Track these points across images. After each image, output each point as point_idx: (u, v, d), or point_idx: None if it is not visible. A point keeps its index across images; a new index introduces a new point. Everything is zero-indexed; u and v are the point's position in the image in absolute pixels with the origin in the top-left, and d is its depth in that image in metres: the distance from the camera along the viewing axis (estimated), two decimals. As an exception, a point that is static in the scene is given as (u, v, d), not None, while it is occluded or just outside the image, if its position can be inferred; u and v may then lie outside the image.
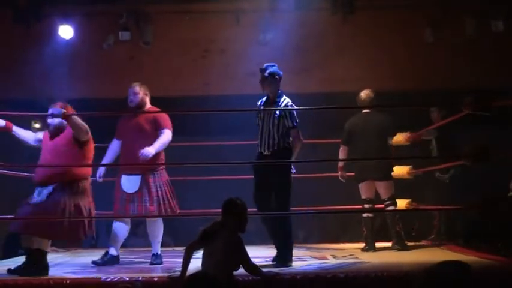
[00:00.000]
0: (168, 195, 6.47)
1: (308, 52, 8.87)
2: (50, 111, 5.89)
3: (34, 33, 8.63)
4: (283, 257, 6.03)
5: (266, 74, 6.22)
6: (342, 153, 7.66)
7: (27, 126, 8.23)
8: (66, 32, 8.57)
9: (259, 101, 6.39)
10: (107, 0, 8.81)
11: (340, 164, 7.69)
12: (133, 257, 7.17)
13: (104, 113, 7.29)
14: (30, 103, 8.14)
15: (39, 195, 5.70)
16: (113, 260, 6.41)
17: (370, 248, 7.39)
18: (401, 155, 8.06)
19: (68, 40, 8.63)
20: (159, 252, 6.50)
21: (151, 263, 6.39)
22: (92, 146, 6.09)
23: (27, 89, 8.56)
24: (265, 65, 6.30)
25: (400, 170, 7.84)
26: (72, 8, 8.60)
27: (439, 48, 8.69)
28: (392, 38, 8.79)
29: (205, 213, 6.73)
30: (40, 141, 6.16)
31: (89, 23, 8.73)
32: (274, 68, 6.27)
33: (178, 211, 6.62)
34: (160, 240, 6.56)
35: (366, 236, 7.52)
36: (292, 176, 6.18)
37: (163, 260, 6.56)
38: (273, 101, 6.22)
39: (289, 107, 6.14)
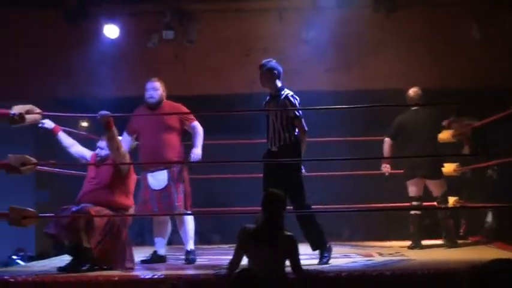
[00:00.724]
0: (188, 192, 6.42)
1: (350, 50, 8.85)
2: (99, 144, 6.08)
3: (81, 32, 8.75)
4: (320, 247, 5.97)
5: (264, 69, 6.12)
6: (387, 145, 7.59)
7: (75, 125, 8.39)
8: (111, 31, 8.68)
9: (266, 99, 6.28)
10: (152, 0, 8.89)
11: (385, 156, 7.62)
12: (179, 254, 7.20)
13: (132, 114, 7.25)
14: (77, 102, 8.29)
15: None
16: (160, 259, 6.41)
17: (416, 245, 7.33)
18: (447, 153, 8.00)
19: (113, 39, 8.74)
20: (193, 248, 6.39)
21: (186, 260, 6.30)
22: (134, 177, 6.16)
23: (74, 88, 8.70)
24: (263, 61, 6.19)
25: (447, 168, 7.76)
26: (118, 7, 8.72)
27: (485, 45, 8.57)
28: (436, 34, 8.72)
29: (248, 211, 6.69)
30: (85, 159, 6.29)
31: (134, 22, 8.83)
32: (271, 63, 6.15)
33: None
34: (193, 235, 6.44)
35: (412, 233, 7.47)
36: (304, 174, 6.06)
37: (210, 257, 6.57)
38: (274, 96, 6.10)
39: (290, 98, 6.00)
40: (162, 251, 6.49)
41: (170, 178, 6.28)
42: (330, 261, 5.93)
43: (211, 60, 8.78)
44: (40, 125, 6.17)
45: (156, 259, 6.40)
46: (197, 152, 6.27)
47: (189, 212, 6.40)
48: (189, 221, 6.43)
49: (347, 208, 7.21)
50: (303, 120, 5.98)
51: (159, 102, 6.44)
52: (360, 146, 9.19)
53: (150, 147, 6.34)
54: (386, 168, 7.60)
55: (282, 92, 6.04)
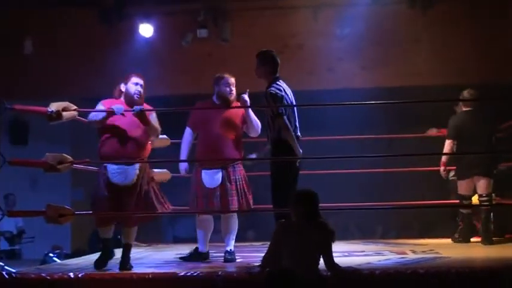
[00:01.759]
0: (246, 189, 6.33)
1: (385, 46, 8.83)
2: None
3: (117, 32, 8.86)
4: None
5: (257, 60, 5.89)
6: (449, 147, 7.56)
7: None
8: (146, 30, 8.78)
9: None
10: (186, -1, 8.96)
11: (443, 159, 7.61)
12: (212, 251, 7.23)
13: (185, 108, 7.20)
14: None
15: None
16: (201, 257, 6.33)
17: (464, 239, 7.44)
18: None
19: (148, 38, 8.83)
20: (233, 249, 6.32)
21: (225, 260, 6.22)
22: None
23: (109, 87, 8.76)
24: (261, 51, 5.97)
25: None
26: (152, 7, 8.80)
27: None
28: (471, 31, 8.64)
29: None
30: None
31: (168, 22, 8.91)
32: (267, 53, 5.90)
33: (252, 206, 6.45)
34: (234, 237, 6.39)
35: (461, 229, 7.55)
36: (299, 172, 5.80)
37: (245, 254, 6.57)
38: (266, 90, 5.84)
39: (268, 95, 5.68)
40: (203, 248, 6.42)
41: (225, 177, 6.21)
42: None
43: (245, 59, 8.76)
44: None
45: (196, 256, 6.33)
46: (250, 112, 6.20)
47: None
48: (235, 222, 6.40)
49: (381, 205, 7.15)
50: (284, 117, 5.60)
51: (235, 99, 6.38)
52: (391, 142, 9.18)
53: (212, 144, 6.24)
54: (444, 172, 7.64)
55: (269, 88, 5.74)
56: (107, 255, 5.79)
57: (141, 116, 5.67)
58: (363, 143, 8.90)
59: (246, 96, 6.15)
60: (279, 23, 8.90)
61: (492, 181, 7.45)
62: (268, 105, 5.69)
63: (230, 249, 6.30)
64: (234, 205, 6.21)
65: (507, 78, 8.49)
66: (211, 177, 6.23)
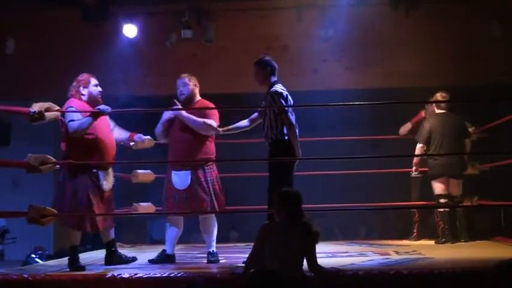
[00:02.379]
0: (218, 190, 6.30)
1: (369, 48, 8.84)
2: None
3: (100, 32, 8.81)
4: None
5: (257, 66, 6.02)
6: (418, 152, 7.77)
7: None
8: (130, 30, 8.74)
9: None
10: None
11: (415, 160, 7.82)
12: (195, 252, 7.23)
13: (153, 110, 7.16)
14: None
15: None
16: (168, 259, 6.31)
17: (447, 240, 7.53)
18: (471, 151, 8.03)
19: (132, 39, 8.80)
20: (215, 250, 6.30)
21: (208, 261, 6.21)
22: None
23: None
24: (258, 58, 6.08)
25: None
26: (136, 7, 8.76)
27: (505, 42, 8.52)
28: (455, 32, 8.67)
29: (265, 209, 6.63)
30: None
31: (152, 22, 8.88)
32: (264, 59, 6.04)
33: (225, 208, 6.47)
34: (215, 237, 6.35)
35: (443, 229, 7.62)
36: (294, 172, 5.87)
37: (229, 255, 6.56)
38: (267, 92, 5.95)
39: (273, 94, 5.82)
40: (171, 250, 6.40)
41: (194, 179, 6.21)
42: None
43: (229, 59, 8.79)
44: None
45: (164, 258, 6.31)
46: (183, 113, 6.21)
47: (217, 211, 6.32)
48: (212, 223, 6.37)
49: (364, 206, 7.18)
50: (289, 114, 5.79)
51: (189, 99, 6.34)
52: (381, 144, 9.21)
53: (176, 146, 6.29)
54: (416, 172, 7.88)
55: (272, 88, 5.89)
56: None
57: None
58: (347, 144, 8.92)
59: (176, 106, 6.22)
60: (263, 24, 8.89)
61: (462, 182, 7.68)
62: (270, 104, 5.80)
63: (212, 250, 6.29)
64: (204, 206, 6.19)
65: (490, 79, 8.54)
66: (181, 179, 6.24)
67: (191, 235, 8.80)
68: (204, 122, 6.19)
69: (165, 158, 6.49)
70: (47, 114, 5.59)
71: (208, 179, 6.25)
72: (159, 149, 6.80)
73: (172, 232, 6.42)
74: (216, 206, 6.24)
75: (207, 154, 6.31)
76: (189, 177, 6.21)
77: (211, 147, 6.35)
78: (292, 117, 5.84)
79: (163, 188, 6.39)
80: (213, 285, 5.02)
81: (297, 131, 5.85)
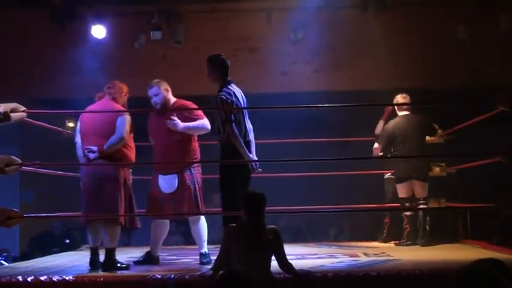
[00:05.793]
0: (199, 193, 6.29)
1: (339, 50, 8.86)
2: None
3: (68, 33, 8.73)
4: None
5: (208, 64, 5.93)
6: (377, 151, 7.76)
7: (61, 125, 8.35)
8: (99, 31, 8.67)
9: None
10: (139, 1, 8.87)
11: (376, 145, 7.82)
12: (165, 254, 7.18)
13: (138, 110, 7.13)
14: (63, 102, 8.25)
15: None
16: (153, 261, 6.33)
17: (412, 242, 7.56)
18: (436, 153, 8.07)
19: (100, 40, 8.73)
20: (207, 251, 6.29)
21: (201, 263, 6.20)
22: None
23: (60, 88, 8.67)
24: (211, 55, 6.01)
25: (433, 168, 7.88)
26: (105, 8, 8.70)
27: (472, 45, 8.59)
28: (424, 35, 8.73)
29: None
30: None
31: (121, 23, 8.82)
32: (217, 57, 5.94)
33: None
34: (206, 238, 6.35)
35: (408, 232, 7.65)
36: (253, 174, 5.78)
37: (196, 257, 6.55)
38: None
39: (218, 99, 5.67)
40: (156, 251, 6.40)
41: (180, 182, 6.20)
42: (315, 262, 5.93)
43: (198, 61, 8.72)
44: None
45: (149, 260, 6.31)
46: (178, 123, 6.16)
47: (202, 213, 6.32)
48: (202, 224, 6.38)
49: (334, 208, 7.20)
50: (232, 124, 5.63)
51: (165, 106, 6.29)
52: (345, 146, 9.25)
53: (162, 150, 6.27)
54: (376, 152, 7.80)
55: (220, 92, 5.73)
56: None
57: None
58: (316, 145, 8.94)
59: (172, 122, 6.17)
60: (232, 26, 8.88)
61: (427, 184, 7.69)
62: (219, 109, 5.68)
63: (204, 252, 6.30)
64: (188, 210, 6.20)
65: (458, 81, 8.61)
66: (167, 182, 6.24)
67: (173, 237, 8.77)
68: (203, 124, 6.26)
69: (149, 161, 6.48)
70: (12, 115, 5.51)
71: (195, 180, 6.27)
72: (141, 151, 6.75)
73: (158, 234, 6.42)
74: (202, 208, 6.28)
75: (194, 155, 6.34)
76: (176, 181, 6.21)
77: (196, 147, 6.38)
78: (246, 121, 5.79)
79: (148, 191, 6.39)
80: (183, 287, 5.01)
81: (251, 134, 5.82)
